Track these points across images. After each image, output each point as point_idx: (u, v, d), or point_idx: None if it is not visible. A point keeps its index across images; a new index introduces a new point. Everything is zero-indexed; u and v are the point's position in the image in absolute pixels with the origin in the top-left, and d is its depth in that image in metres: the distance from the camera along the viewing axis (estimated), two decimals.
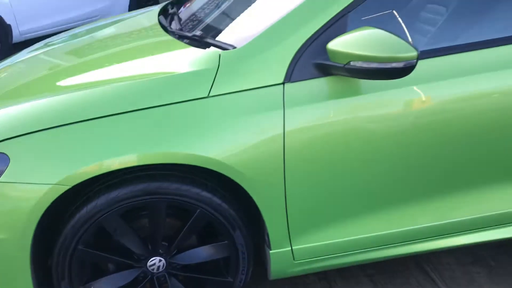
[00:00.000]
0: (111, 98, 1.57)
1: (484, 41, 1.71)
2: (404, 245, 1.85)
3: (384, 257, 1.88)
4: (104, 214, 1.56)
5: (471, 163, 1.76)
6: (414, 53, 1.43)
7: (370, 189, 1.72)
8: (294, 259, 1.76)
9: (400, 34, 1.52)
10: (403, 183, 1.74)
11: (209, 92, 1.56)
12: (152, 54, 1.83)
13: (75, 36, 2.48)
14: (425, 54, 1.59)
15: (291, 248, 1.74)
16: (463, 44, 1.70)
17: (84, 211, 1.55)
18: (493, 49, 1.71)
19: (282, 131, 1.57)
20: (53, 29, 5.38)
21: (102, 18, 5.76)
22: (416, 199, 1.78)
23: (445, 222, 1.83)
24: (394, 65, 1.43)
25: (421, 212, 1.81)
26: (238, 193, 1.65)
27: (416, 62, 1.44)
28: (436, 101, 1.65)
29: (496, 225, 1.89)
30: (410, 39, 1.57)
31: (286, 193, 1.64)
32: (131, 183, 1.57)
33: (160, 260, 1.69)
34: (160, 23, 2.17)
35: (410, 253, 1.89)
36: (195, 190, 1.59)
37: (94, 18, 5.76)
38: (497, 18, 1.86)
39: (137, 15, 2.59)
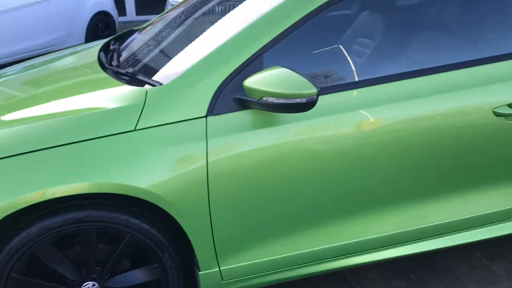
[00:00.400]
0: (43, 133, 1.68)
1: (409, 72, 1.93)
2: (331, 260, 2.01)
3: (312, 273, 2.02)
4: (37, 242, 1.66)
5: (395, 183, 1.95)
6: (314, 90, 1.60)
7: (290, 210, 1.87)
8: (222, 279, 1.89)
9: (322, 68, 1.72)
10: (323, 203, 1.90)
11: (136, 125, 1.69)
12: (88, 91, 1.95)
13: (21, 70, 2.58)
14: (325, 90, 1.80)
15: (219, 269, 1.86)
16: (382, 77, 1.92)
17: (17, 239, 1.64)
18: (415, 79, 1.93)
19: (205, 160, 1.71)
20: (6, 59, 5.41)
21: (58, 48, 5.85)
22: (341, 217, 1.95)
23: (371, 237, 2.00)
24: (298, 100, 1.61)
25: (347, 228, 1.97)
26: (168, 217, 1.78)
27: (317, 98, 1.62)
28: (345, 129, 1.83)
29: (417, 239, 2.10)
30: (336, 72, 1.76)
31: (211, 217, 1.77)
32: (63, 212, 1.67)
33: (93, 285, 1.79)
34: (99, 59, 2.31)
35: (337, 268, 2.05)
36: (124, 217, 1.70)
37: (50, 48, 5.83)
38: (422, 49, 2.09)
39: (84, 49, 2.71)
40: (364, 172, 1.89)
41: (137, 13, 9.81)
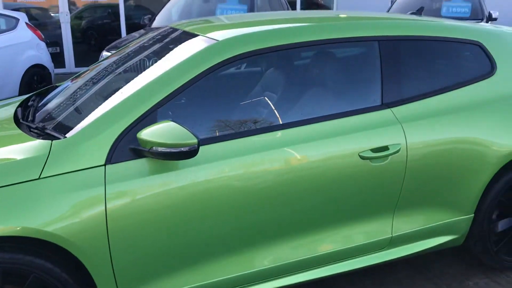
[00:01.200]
0: None
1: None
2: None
3: None
4: None
5: (279, 219, 2.24)
6: (195, 141, 1.89)
7: (186, 246, 2.10)
8: None
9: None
10: (215, 239, 2.14)
11: (40, 174, 1.90)
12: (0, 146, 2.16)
13: None
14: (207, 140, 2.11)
15: None
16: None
17: None
18: (297, 128, 2.27)
19: (104, 204, 1.93)
20: None
21: None
22: (235, 250, 2.20)
23: (278, 264, 2.29)
24: (182, 149, 1.89)
25: (254, 257, 2.24)
26: (72, 256, 1.97)
27: (198, 147, 1.91)
28: (233, 172, 2.12)
29: (308, 268, 2.40)
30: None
31: (111, 255, 1.98)
32: None
33: None
34: (16, 114, 2.51)
35: None
36: (28, 258, 1.88)
37: None
38: (303, 104, 2.44)
39: (5, 104, 2.90)
40: (248, 210, 2.17)
41: (76, 65, 9.99)
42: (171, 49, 2.52)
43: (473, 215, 2.68)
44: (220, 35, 2.37)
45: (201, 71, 2.14)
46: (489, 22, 8.18)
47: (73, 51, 10.12)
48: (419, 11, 3.91)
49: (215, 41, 2.28)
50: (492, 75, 2.74)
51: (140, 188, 1.99)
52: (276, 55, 2.53)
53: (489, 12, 8.15)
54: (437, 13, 8.48)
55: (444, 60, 2.71)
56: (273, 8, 8.03)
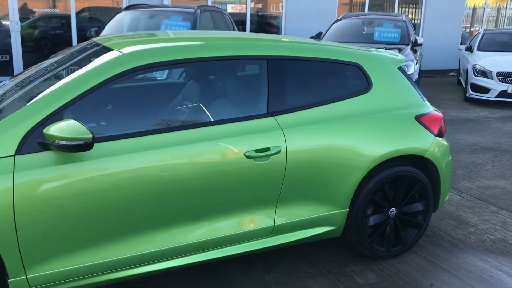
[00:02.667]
0: None
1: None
2: (123, 270, 2.60)
3: (110, 280, 2.58)
4: None
5: (169, 206, 2.61)
6: (89, 135, 2.27)
7: (85, 228, 2.45)
8: (29, 285, 2.39)
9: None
10: (107, 224, 2.49)
11: None
12: None
13: None
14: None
15: (26, 277, 2.37)
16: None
17: None
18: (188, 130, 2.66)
19: (12, 190, 2.26)
20: None
21: None
22: (125, 234, 2.56)
23: (155, 250, 2.64)
24: (79, 142, 2.26)
25: (133, 243, 2.59)
26: None
27: (93, 141, 2.28)
28: (112, 170, 2.49)
29: (197, 251, 2.77)
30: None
31: (18, 235, 2.30)
32: None
33: None
34: None
35: (129, 276, 2.63)
36: None
37: None
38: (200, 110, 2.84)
39: None
40: (142, 200, 2.54)
41: None
42: (87, 60, 2.88)
43: (347, 210, 3.15)
44: (129, 49, 2.75)
45: (103, 79, 2.52)
46: (415, 47, 8.91)
47: (23, 60, 10.25)
48: (317, 36, 4.42)
49: (120, 54, 2.67)
50: (368, 91, 3.24)
51: (46, 177, 2.33)
52: (180, 68, 2.94)
53: (415, 38, 8.89)
54: (370, 38, 9.16)
55: (326, 77, 3.19)
56: (216, 25, 8.49)
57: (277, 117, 2.91)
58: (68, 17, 10.98)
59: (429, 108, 3.47)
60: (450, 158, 3.56)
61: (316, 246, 3.51)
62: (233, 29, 9.38)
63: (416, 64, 8.40)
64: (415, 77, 8.01)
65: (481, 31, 11.93)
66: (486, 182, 5.13)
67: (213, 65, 2.97)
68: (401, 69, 3.49)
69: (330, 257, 3.40)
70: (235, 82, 3.03)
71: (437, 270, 3.27)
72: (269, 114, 2.90)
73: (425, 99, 3.54)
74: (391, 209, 3.32)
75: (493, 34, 11.47)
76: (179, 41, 3.06)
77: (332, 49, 3.27)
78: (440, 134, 3.43)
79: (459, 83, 12.54)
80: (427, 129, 3.34)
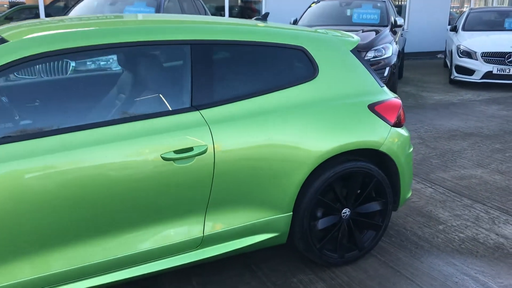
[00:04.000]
0: None
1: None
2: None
3: None
4: None
5: (90, 218, 2.26)
6: None
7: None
8: None
9: None
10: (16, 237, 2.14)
11: None
12: None
13: None
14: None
15: None
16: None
17: None
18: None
19: None
20: None
21: None
22: (46, 249, 2.20)
23: (84, 265, 2.30)
24: None
25: (57, 259, 2.24)
26: None
27: None
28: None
29: (126, 266, 2.42)
30: None
31: None
32: None
33: None
34: None
35: None
36: None
37: None
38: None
39: None
40: (45, 210, 2.17)
41: None
42: None
43: (291, 213, 2.78)
44: (19, 38, 2.35)
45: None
46: (395, 28, 8.50)
47: None
48: (264, 17, 4.02)
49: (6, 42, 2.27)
50: (313, 78, 2.86)
51: None
52: (86, 56, 2.54)
53: (395, 19, 8.47)
54: (348, 21, 8.74)
55: (263, 64, 2.80)
56: (184, 11, 8.05)
57: (203, 111, 2.52)
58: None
59: (386, 95, 3.08)
60: (411, 150, 3.18)
61: (263, 253, 3.15)
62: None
63: (396, 45, 8.00)
64: (393, 60, 7.62)
65: (467, 10, 11.51)
66: (462, 172, 4.77)
67: (125, 53, 2.58)
68: (355, 52, 3.10)
69: (277, 265, 3.04)
70: (151, 72, 2.64)
71: (396, 278, 2.92)
72: (193, 108, 2.51)
73: (382, 85, 3.15)
74: (344, 210, 2.96)
75: (479, 13, 11.05)
76: (94, 26, 2.65)
77: (270, 31, 2.87)
78: (398, 124, 3.05)
79: (446, 65, 12.14)
80: (382, 118, 2.96)
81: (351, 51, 3.08)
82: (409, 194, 3.26)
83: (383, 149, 2.93)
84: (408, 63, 13.18)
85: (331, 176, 2.81)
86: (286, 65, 2.87)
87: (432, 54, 14.97)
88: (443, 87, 9.75)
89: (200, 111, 2.51)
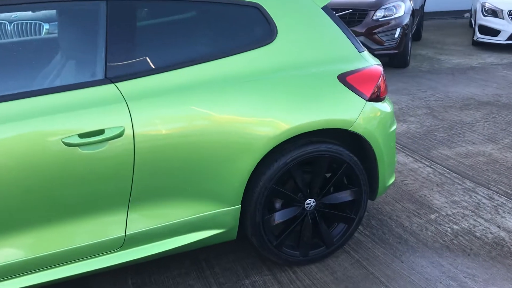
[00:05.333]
0: None
1: None
2: None
3: None
4: None
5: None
6: None
7: None
8: None
9: None
10: None
11: None
12: None
13: None
14: None
15: None
16: None
17: None
18: None
19: None
20: None
21: None
22: None
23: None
24: None
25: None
26: None
27: None
28: None
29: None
30: None
31: None
32: None
33: None
34: None
35: None
36: None
37: None
38: None
39: None
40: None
41: None
42: None
43: (239, 206, 2.33)
44: None
45: None
46: None
47: None
48: None
49: None
50: (270, 43, 2.33)
51: None
52: None
53: None
54: None
55: (204, 25, 2.29)
56: None
57: (120, 84, 2.04)
58: None
59: (364, 63, 2.53)
60: (393, 128, 2.65)
61: (220, 247, 2.71)
62: None
63: (410, 3, 7.26)
64: (406, 19, 6.91)
65: None
66: (470, 148, 4.19)
67: (22, 12, 2.11)
68: (328, 10, 2.55)
69: (232, 263, 2.61)
70: (53, 36, 2.16)
71: (367, 282, 2.46)
72: (107, 80, 2.04)
73: (362, 49, 2.60)
74: (307, 201, 2.49)
75: None
76: None
77: None
78: (376, 98, 2.52)
79: (472, 25, 11.22)
80: (355, 92, 2.43)
81: (322, 8, 2.53)
82: (391, 181, 2.75)
83: (354, 129, 2.42)
84: (429, 24, 12.26)
85: (288, 162, 2.33)
86: (234, 27, 2.34)
87: (457, 14, 13.92)
88: (464, 49, 8.95)
89: (116, 84, 2.03)
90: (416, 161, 3.91)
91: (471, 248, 2.73)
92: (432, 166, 3.81)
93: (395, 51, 7.05)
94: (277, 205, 2.49)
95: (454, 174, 3.66)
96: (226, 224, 2.34)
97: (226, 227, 2.35)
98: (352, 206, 2.60)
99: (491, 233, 2.87)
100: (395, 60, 7.37)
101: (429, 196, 3.33)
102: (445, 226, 2.95)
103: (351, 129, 2.41)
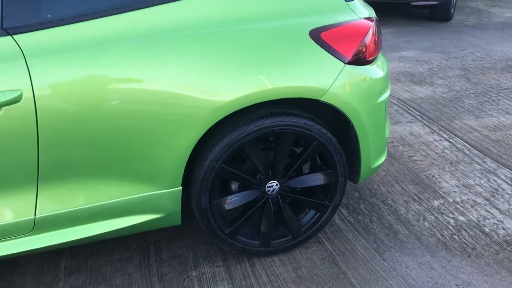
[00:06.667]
0: None
1: None
2: None
3: None
4: None
5: None
6: None
7: None
8: None
9: None
10: None
11: None
12: None
13: None
14: None
15: None
16: None
17: None
18: None
19: None
20: None
21: None
22: None
23: None
24: None
25: None
26: None
27: None
28: None
29: None
30: None
31: None
32: None
33: None
34: None
35: None
36: None
37: None
38: None
39: None
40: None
41: None
42: None
43: (180, 188, 1.94)
44: None
45: None
46: None
47: None
48: None
49: None
50: None
51: None
52: None
53: None
54: None
55: None
56: None
57: (19, 37, 1.65)
58: None
59: (349, 15, 2.02)
60: (384, 97, 2.14)
61: (175, 230, 2.35)
62: None
63: None
64: None
65: None
66: (502, 120, 3.58)
67: None
68: None
69: (183, 249, 2.25)
70: None
71: (335, 283, 2.04)
72: (3, 31, 1.65)
73: None
74: (269, 184, 2.07)
75: None
76: None
77: None
78: (360, 60, 2.02)
79: None
80: (330, 52, 1.93)
81: None
82: (380, 161, 2.26)
83: (326, 99, 1.94)
84: None
85: (241, 138, 1.90)
86: None
87: None
88: None
89: (13, 36, 1.65)
90: (432, 133, 3.36)
91: (474, 247, 2.24)
92: (450, 140, 3.26)
93: (436, 2, 6.27)
94: (233, 186, 2.09)
95: (475, 151, 3.11)
96: (164, 208, 1.97)
97: (164, 212, 1.97)
98: (326, 191, 2.17)
99: (503, 228, 2.37)
100: (436, 12, 6.58)
101: (438, 177, 2.82)
102: (448, 217, 2.46)
103: (322, 99, 1.93)
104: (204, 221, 2.02)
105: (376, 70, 2.09)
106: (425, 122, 3.53)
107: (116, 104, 1.72)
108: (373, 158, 2.19)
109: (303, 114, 1.99)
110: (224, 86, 1.80)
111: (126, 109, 1.74)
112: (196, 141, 1.85)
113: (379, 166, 2.27)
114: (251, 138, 1.92)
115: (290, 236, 2.19)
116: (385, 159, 2.61)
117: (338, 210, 2.49)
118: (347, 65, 1.96)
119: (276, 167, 2.05)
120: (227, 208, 2.04)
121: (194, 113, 1.79)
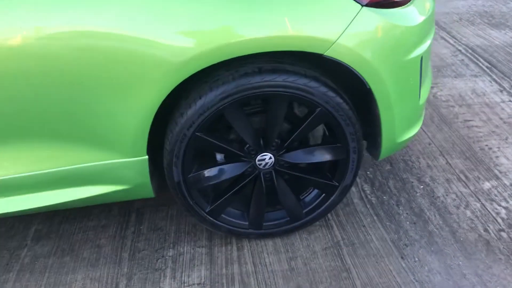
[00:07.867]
0: None
1: None
2: None
3: None
4: None
5: None
6: None
7: None
8: None
9: None
10: None
11: None
12: None
13: None
14: None
15: None
16: None
17: None
18: None
19: None
20: None
21: None
22: None
23: None
24: None
25: None
26: None
27: None
28: None
29: None
30: None
31: None
32: None
33: None
34: None
35: None
36: None
37: None
38: None
39: None
40: None
41: None
42: None
43: (146, 157, 1.59)
44: None
45: None
46: None
47: None
48: None
49: None
50: None
51: None
52: None
53: None
54: None
55: None
56: None
57: None
58: None
59: None
60: (419, 52, 1.60)
61: (163, 198, 2.04)
62: None
63: None
64: None
65: None
66: None
67: None
68: None
69: (168, 221, 1.94)
70: None
71: (333, 282, 1.66)
72: None
73: None
74: (260, 157, 1.67)
75: None
76: None
77: None
78: (386, 1, 1.49)
79: None
80: None
81: None
82: (410, 135, 1.76)
83: (333, 54, 1.46)
84: None
85: (219, 100, 1.50)
86: None
87: None
88: None
89: None
90: (501, 91, 2.73)
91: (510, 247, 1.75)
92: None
93: None
94: (218, 157, 1.72)
95: None
96: (129, 179, 1.64)
97: (129, 183, 1.65)
98: (335, 169, 1.73)
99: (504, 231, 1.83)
100: None
101: (496, 150, 2.27)
102: (500, 205, 1.94)
103: (327, 53, 1.46)
104: (179, 197, 1.69)
105: (410, 15, 1.56)
106: (494, 77, 2.88)
107: (54, 53, 1.37)
108: (399, 130, 1.70)
109: (304, 71, 1.53)
110: (190, 35, 1.38)
111: (67, 62, 1.37)
112: (160, 102, 1.47)
113: (409, 140, 1.78)
114: (231, 101, 1.51)
115: (288, 219, 1.81)
116: (418, 131, 2.08)
117: (359, 185, 2.06)
118: (365, 7, 1.45)
119: (267, 137, 1.64)
120: (206, 184, 1.68)
121: (151, 69, 1.40)
